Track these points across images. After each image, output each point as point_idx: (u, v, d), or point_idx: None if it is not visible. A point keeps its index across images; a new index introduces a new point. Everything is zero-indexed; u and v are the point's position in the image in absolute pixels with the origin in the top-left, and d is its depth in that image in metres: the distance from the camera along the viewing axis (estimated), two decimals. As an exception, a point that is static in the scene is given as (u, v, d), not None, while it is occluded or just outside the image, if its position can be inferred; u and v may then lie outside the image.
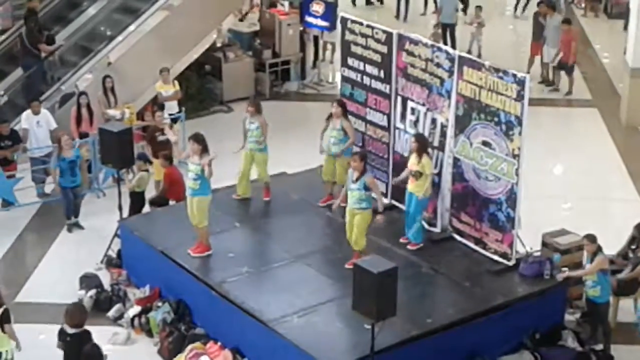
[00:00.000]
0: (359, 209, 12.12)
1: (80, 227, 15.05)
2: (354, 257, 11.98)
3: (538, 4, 21.92)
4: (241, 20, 21.57)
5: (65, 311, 10.37)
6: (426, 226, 13.06)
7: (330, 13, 20.09)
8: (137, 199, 14.52)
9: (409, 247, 12.77)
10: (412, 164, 12.62)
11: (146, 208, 14.63)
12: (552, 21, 20.93)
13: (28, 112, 15.95)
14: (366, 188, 12.03)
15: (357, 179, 12.05)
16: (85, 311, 10.53)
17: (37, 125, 15.85)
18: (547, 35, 20.82)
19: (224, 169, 13.81)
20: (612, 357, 11.93)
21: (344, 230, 13.30)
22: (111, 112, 16.66)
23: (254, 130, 13.77)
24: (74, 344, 10.17)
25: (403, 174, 12.90)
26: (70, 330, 10.21)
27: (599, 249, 11.82)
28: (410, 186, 12.71)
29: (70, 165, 14.67)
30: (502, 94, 11.97)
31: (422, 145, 12.58)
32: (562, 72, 20.59)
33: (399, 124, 13.63)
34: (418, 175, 12.52)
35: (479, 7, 22.60)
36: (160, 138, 15.25)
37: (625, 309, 12.62)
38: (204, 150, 12.47)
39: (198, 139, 12.52)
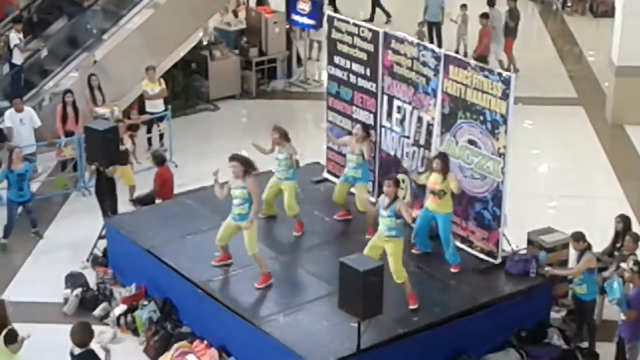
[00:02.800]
0: (388, 237, 11.43)
1: (40, 236, 14.74)
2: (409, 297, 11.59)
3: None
4: (235, 16, 21.55)
5: (70, 331, 10.08)
6: (413, 225, 13.05)
7: (316, 11, 20.09)
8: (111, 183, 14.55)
9: (452, 269, 12.29)
10: (435, 183, 12.12)
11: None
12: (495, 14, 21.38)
13: (11, 110, 15.89)
14: (397, 215, 11.40)
15: (388, 206, 11.40)
16: (89, 330, 10.09)
17: (20, 124, 15.79)
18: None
19: (210, 167, 13.77)
20: (597, 354, 11.98)
21: (331, 228, 13.36)
22: (100, 110, 16.63)
23: (282, 161, 12.97)
24: None
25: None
26: (75, 351, 9.96)
27: (588, 248, 11.85)
28: (432, 206, 12.24)
29: (19, 179, 14.26)
30: (487, 93, 12.00)
31: (446, 164, 12.11)
32: None
33: (385, 123, 13.64)
34: (442, 194, 12.12)
35: (464, 6, 22.63)
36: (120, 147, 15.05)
37: (611, 307, 12.65)
38: (247, 171, 11.75)
39: (241, 160, 11.74)
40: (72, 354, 10.00)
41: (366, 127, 13.32)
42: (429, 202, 12.31)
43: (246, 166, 11.76)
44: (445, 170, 12.09)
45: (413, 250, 12.65)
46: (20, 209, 14.58)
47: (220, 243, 12.29)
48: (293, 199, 13.14)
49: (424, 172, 12.64)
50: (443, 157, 12.22)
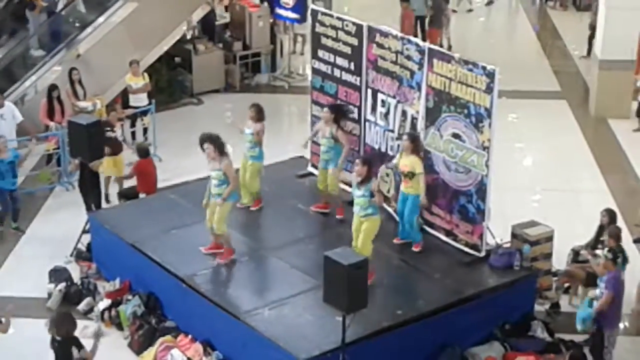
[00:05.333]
0: (365, 216, 11.69)
1: (21, 231, 14.72)
2: None
3: None
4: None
5: (50, 320, 10.04)
6: (397, 218, 13.08)
7: (300, 5, 20.08)
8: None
9: (413, 248, 12.49)
10: (403, 165, 12.32)
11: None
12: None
13: None
14: (372, 194, 11.61)
15: (361, 185, 11.63)
16: (70, 320, 10.00)
17: (0, 119, 15.68)
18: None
19: (195, 161, 13.78)
20: (581, 347, 12.00)
21: (315, 222, 13.36)
22: (82, 104, 16.60)
23: (247, 136, 13.33)
24: (63, 349, 9.87)
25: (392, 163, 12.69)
26: (58, 337, 9.91)
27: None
28: (404, 187, 12.45)
29: (11, 166, 14.35)
30: (471, 86, 12.02)
31: (414, 144, 12.26)
32: None
33: (369, 117, 13.64)
34: (410, 175, 12.26)
35: (446, 1, 22.68)
36: (109, 134, 15.02)
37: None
38: (222, 152, 11.89)
39: (212, 139, 11.86)
40: (54, 339, 9.87)
41: (335, 109, 13.34)
42: (403, 184, 12.46)
43: (220, 149, 11.88)
44: (413, 151, 12.21)
45: (395, 241, 12.70)
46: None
47: (209, 224, 12.37)
48: (255, 179, 13.38)
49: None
50: (410, 136, 12.37)
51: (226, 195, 12.00)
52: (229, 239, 12.32)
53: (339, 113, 13.31)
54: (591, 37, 21.59)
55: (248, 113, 13.44)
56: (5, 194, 14.51)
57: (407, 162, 12.29)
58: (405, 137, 12.45)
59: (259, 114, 13.38)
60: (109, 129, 15.13)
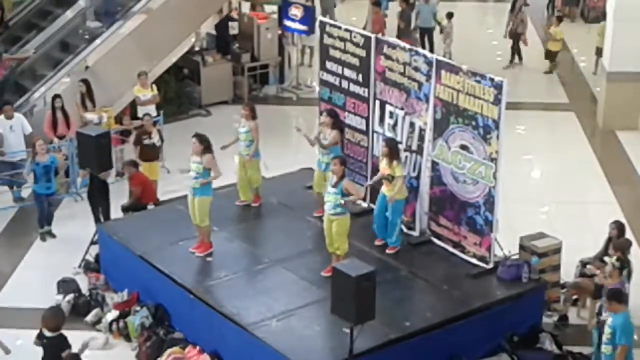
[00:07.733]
0: (334, 215, 12.06)
1: (52, 235, 14.83)
2: (333, 260, 11.99)
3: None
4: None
5: (42, 315, 10.39)
6: (405, 229, 13.09)
7: (308, 17, 20.12)
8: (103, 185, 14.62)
9: (387, 250, 12.77)
10: (384, 168, 12.63)
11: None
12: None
13: (1, 117, 15.79)
14: (343, 194, 11.98)
15: (335, 184, 12.01)
16: (61, 315, 10.50)
17: (10, 130, 15.70)
18: None
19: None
20: (589, 359, 11.98)
21: (322, 234, 13.34)
22: (89, 115, 16.60)
23: (242, 134, 13.68)
24: (51, 347, 10.22)
25: (375, 178, 12.95)
26: (47, 334, 10.23)
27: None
28: (385, 190, 12.71)
29: (45, 170, 14.44)
30: (479, 98, 12.03)
31: (392, 150, 12.57)
32: None
33: (377, 128, 13.66)
34: (390, 178, 12.53)
35: (449, 14, 22.69)
36: (146, 142, 15.27)
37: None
38: (206, 149, 12.52)
39: (201, 138, 12.57)
40: (42, 336, 10.21)
41: (333, 114, 13.55)
42: (383, 187, 12.65)
43: (205, 145, 12.51)
44: (391, 156, 12.48)
45: (376, 242, 12.86)
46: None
47: (195, 221, 12.75)
48: (257, 172, 13.82)
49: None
50: (389, 141, 12.72)
51: (204, 182, 12.50)
52: (209, 233, 12.73)
53: (337, 118, 13.55)
54: (517, 46, 22.67)
55: (241, 112, 13.81)
56: (41, 198, 14.57)
57: (387, 165, 12.53)
58: (382, 142, 12.69)
59: (252, 112, 13.72)
60: (145, 136, 15.27)
